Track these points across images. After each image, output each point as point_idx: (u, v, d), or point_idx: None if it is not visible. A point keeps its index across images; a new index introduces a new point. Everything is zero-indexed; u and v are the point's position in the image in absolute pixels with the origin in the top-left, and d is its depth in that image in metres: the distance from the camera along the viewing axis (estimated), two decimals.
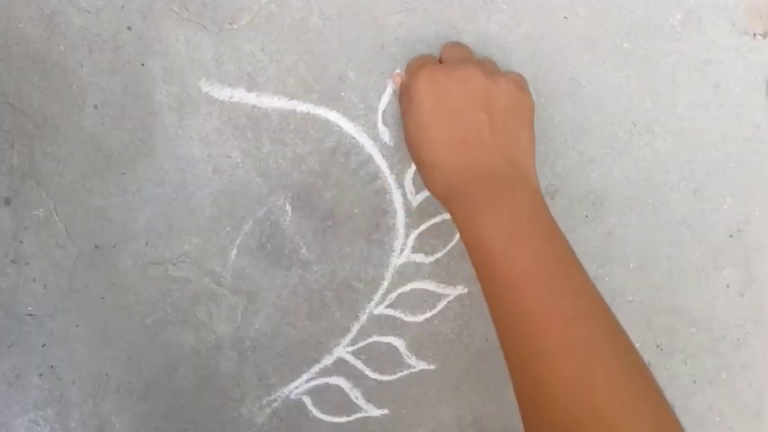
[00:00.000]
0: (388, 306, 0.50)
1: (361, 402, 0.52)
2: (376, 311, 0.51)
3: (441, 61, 0.44)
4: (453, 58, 0.43)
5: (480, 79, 0.40)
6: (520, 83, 0.42)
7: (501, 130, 0.40)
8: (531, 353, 0.34)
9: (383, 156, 0.48)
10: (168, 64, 0.46)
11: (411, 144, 0.41)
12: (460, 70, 0.40)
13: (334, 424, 0.51)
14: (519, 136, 0.40)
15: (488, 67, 0.42)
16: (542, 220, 0.38)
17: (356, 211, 0.49)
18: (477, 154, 0.39)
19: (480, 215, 0.37)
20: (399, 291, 0.50)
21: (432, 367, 0.52)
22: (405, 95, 0.42)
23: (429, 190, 0.41)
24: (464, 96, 0.39)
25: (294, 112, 0.47)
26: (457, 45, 0.45)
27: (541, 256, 0.35)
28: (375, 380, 0.51)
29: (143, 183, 0.47)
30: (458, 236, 0.50)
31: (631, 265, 0.52)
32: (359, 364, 0.51)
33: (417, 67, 0.42)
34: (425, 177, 0.41)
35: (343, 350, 0.51)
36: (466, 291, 0.51)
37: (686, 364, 0.54)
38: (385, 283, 0.50)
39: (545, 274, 0.35)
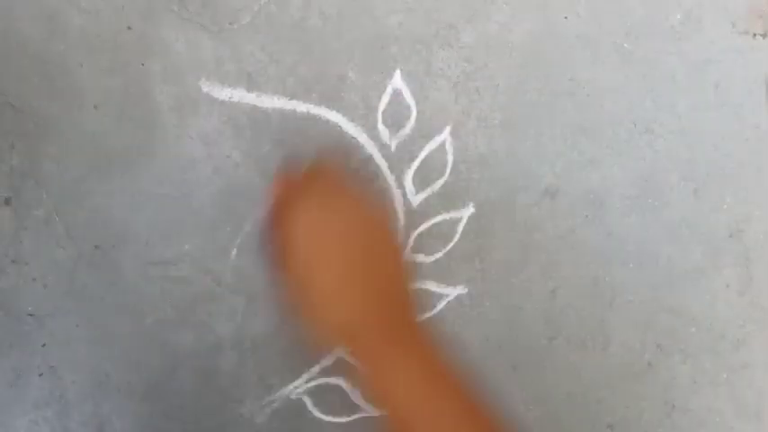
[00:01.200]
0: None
1: (361, 402, 0.51)
2: None
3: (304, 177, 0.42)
4: (320, 197, 0.41)
5: (355, 227, 0.40)
6: (381, 211, 0.43)
7: (381, 270, 0.40)
8: None
9: (383, 156, 0.48)
10: (168, 64, 0.46)
11: (293, 293, 0.41)
12: (336, 220, 0.40)
13: (334, 424, 0.51)
14: (394, 269, 0.41)
15: (353, 205, 0.41)
16: (442, 369, 0.39)
17: None
18: (364, 296, 0.39)
19: (384, 361, 0.38)
20: None
21: None
22: (282, 245, 0.40)
23: (317, 331, 0.41)
24: (343, 244, 0.39)
25: (294, 112, 0.47)
26: (318, 179, 0.43)
27: (441, 413, 0.37)
28: None
29: (143, 183, 0.47)
30: (458, 236, 0.50)
31: (631, 265, 0.52)
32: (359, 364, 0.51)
33: (287, 209, 0.40)
34: (315, 326, 0.41)
35: (343, 350, 0.51)
36: (466, 291, 0.51)
37: (686, 364, 0.54)
38: None
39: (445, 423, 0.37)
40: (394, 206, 0.49)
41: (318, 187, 0.42)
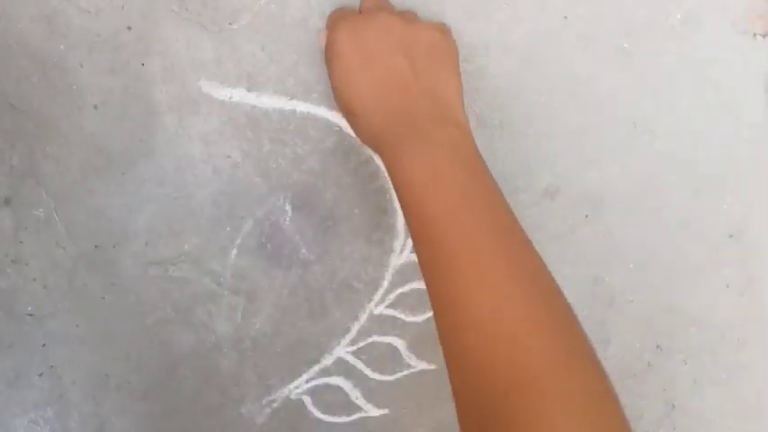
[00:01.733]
0: (388, 306, 0.50)
1: (361, 402, 0.52)
2: (376, 311, 0.51)
3: (360, 12, 0.43)
4: (372, 7, 0.43)
5: (399, 26, 0.40)
6: (441, 28, 0.42)
7: (423, 74, 0.40)
8: (449, 286, 0.34)
9: None
10: (168, 64, 0.46)
11: (337, 97, 0.41)
12: (379, 19, 0.40)
13: (335, 424, 0.51)
14: (442, 78, 0.40)
15: (407, 16, 0.42)
16: (467, 158, 0.38)
17: (356, 211, 0.49)
18: (401, 98, 0.39)
19: (404, 155, 0.37)
20: (399, 291, 0.50)
21: (432, 367, 0.52)
22: (328, 50, 0.42)
23: (361, 139, 0.42)
24: (384, 44, 0.40)
25: (294, 112, 0.47)
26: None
27: (463, 194, 0.36)
28: (375, 380, 0.51)
29: (143, 183, 0.47)
30: None
31: (631, 265, 0.52)
32: (359, 364, 0.51)
33: (336, 20, 0.42)
34: (355, 127, 0.41)
35: (343, 350, 0.51)
36: None
37: (686, 364, 0.54)
38: (385, 283, 0.50)
39: (465, 210, 0.35)
40: (394, 206, 0.49)
41: (367, 5, 0.42)
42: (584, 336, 0.34)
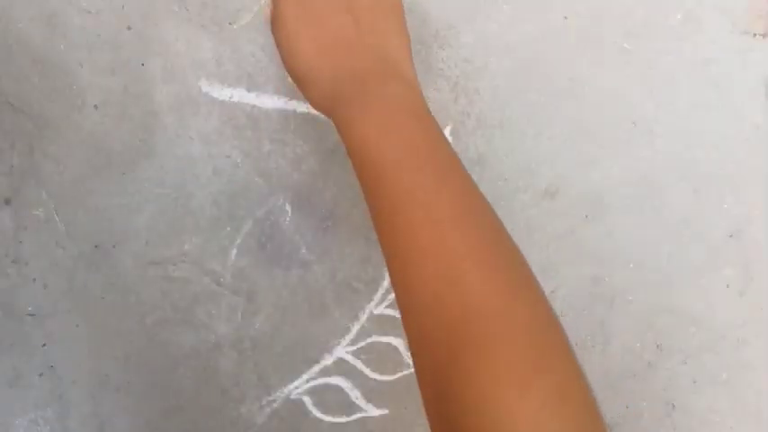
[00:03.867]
0: (388, 306, 0.50)
1: (361, 402, 0.52)
2: (376, 311, 0.51)
3: None
4: None
5: None
6: None
7: (368, 30, 0.39)
8: (396, 231, 0.34)
9: None
10: (168, 64, 0.46)
11: (285, 64, 0.41)
12: None
13: (334, 424, 0.51)
14: (388, 32, 0.40)
15: None
16: (416, 112, 0.38)
17: (356, 211, 0.49)
18: (347, 57, 0.39)
19: (353, 113, 0.37)
20: None
21: None
22: (273, 19, 0.41)
23: (313, 106, 0.41)
24: (326, 4, 0.39)
25: (294, 112, 0.47)
26: None
27: (411, 146, 0.36)
28: (375, 380, 0.51)
29: (143, 183, 0.47)
30: None
31: (631, 265, 0.52)
32: (359, 364, 0.51)
33: None
34: (306, 94, 0.41)
35: (343, 350, 0.51)
36: None
37: (686, 364, 0.54)
38: (385, 283, 0.50)
39: (410, 161, 0.35)
40: None
41: None
42: (527, 270, 0.34)
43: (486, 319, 0.31)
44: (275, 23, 0.40)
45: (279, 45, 0.40)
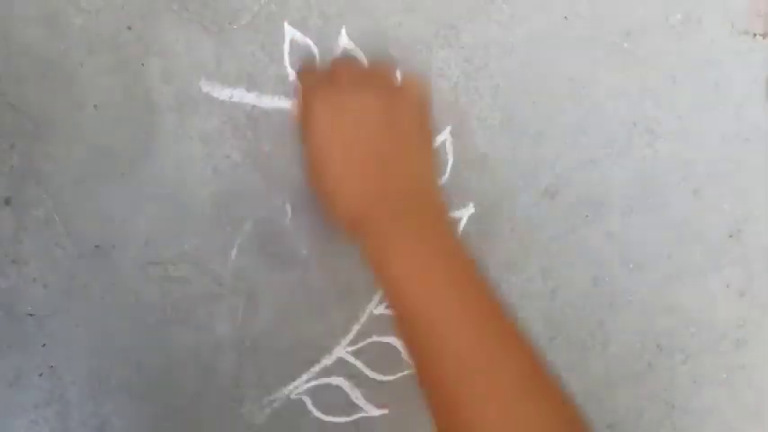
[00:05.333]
0: (388, 306, 0.50)
1: (361, 402, 0.52)
2: (376, 311, 0.51)
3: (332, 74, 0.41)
4: (344, 71, 0.40)
5: (380, 104, 0.37)
6: (417, 92, 0.40)
7: (404, 154, 0.38)
8: (452, 400, 0.34)
9: None
10: (168, 64, 0.46)
11: (312, 174, 0.39)
12: (358, 95, 0.38)
13: (335, 424, 0.51)
14: (421, 155, 0.39)
15: (385, 83, 0.39)
16: (444, 246, 0.37)
17: None
18: (380, 182, 0.37)
19: (387, 250, 0.36)
20: None
21: None
22: (303, 124, 0.40)
23: (334, 222, 0.39)
24: (362, 126, 0.37)
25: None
26: (349, 63, 0.42)
27: (444, 288, 0.35)
28: (375, 380, 0.51)
29: (143, 183, 0.47)
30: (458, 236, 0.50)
31: (631, 265, 0.52)
32: (359, 364, 0.51)
33: (310, 89, 0.40)
34: (329, 208, 0.39)
35: (343, 350, 0.51)
36: None
37: (686, 364, 0.54)
38: None
39: (462, 318, 0.34)
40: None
41: (343, 71, 0.39)
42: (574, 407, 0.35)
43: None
44: (306, 132, 0.38)
45: (309, 154, 0.38)
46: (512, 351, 0.35)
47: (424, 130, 0.40)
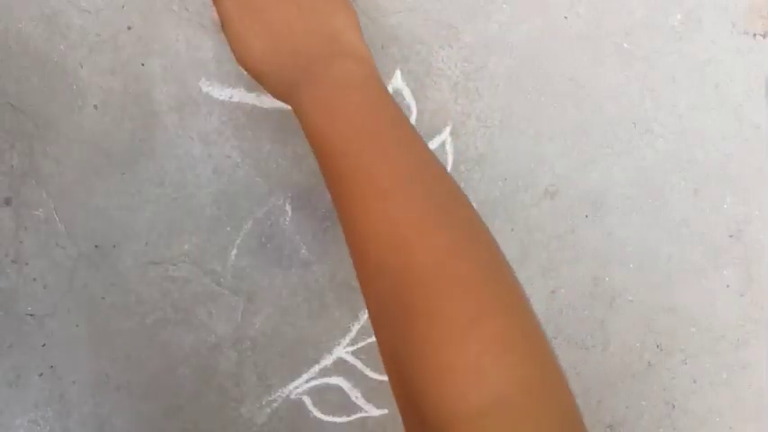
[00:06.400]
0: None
1: (361, 402, 0.52)
2: None
3: None
4: None
5: None
6: None
7: (309, 13, 0.40)
8: (347, 207, 0.35)
9: None
10: (168, 64, 0.46)
11: (240, 63, 0.41)
12: None
13: (335, 424, 0.51)
14: (331, 11, 0.40)
15: None
16: (362, 86, 0.38)
17: None
18: (292, 43, 0.39)
19: (302, 98, 0.37)
20: None
21: None
22: (221, 20, 0.41)
23: (273, 97, 0.41)
24: None
25: None
26: None
27: (356, 123, 0.36)
28: (375, 380, 0.51)
29: (143, 183, 0.47)
30: None
31: (631, 265, 0.52)
32: (359, 364, 0.51)
33: None
34: (262, 85, 0.41)
35: (343, 350, 0.51)
36: None
37: (686, 364, 0.54)
38: None
39: (359, 137, 0.36)
40: None
41: None
42: (474, 226, 0.35)
43: (426, 279, 0.32)
44: (224, 27, 0.40)
45: (231, 45, 0.41)
46: (429, 174, 0.36)
47: None
